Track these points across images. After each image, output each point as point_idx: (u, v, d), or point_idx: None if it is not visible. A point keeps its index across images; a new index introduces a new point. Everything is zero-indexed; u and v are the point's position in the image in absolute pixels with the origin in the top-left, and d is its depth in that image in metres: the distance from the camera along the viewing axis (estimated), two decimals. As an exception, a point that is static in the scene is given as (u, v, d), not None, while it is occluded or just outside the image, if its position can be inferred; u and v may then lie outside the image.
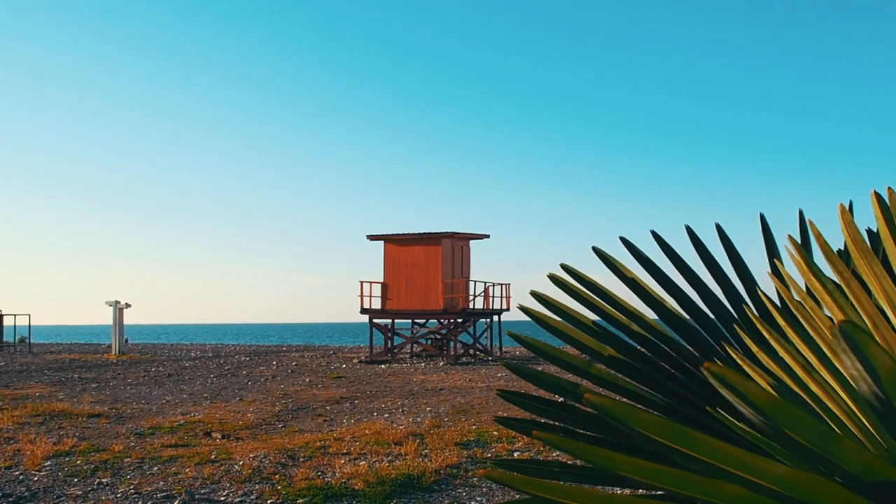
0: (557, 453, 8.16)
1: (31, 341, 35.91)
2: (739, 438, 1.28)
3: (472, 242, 27.21)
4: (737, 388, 0.90)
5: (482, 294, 26.25)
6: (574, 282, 1.78)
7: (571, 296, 1.76)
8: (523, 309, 1.72)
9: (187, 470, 7.71)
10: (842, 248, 1.91)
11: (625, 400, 1.68)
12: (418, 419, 11.29)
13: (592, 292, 1.77)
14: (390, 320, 25.91)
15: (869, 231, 1.95)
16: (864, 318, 1.30)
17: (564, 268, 1.80)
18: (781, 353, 1.46)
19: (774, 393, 1.00)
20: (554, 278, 1.77)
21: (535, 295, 1.74)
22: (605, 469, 0.89)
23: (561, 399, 1.68)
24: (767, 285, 1.88)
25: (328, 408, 12.95)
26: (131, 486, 7.09)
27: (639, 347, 1.73)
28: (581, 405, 1.66)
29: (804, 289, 1.52)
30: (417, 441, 9.14)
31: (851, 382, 1.15)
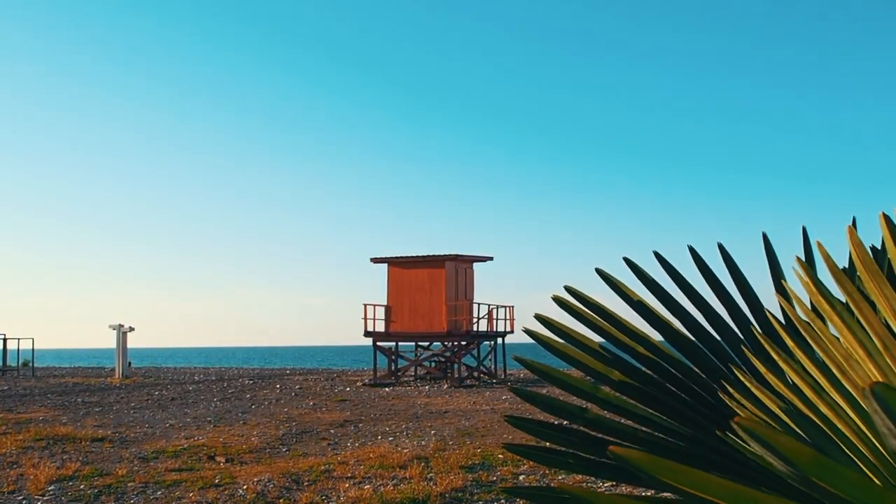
0: (563, 476, 8.09)
1: (35, 365, 35.85)
2: (751, 462, 1.27)
3: (475, 265, 27.20)
4: (768, 441, 0.90)
5: (486, 316, 26.19)
6: (579, 304, 1.77)
7: (576, 318, 1.75)
8: (528, 332, 1.71)
9: (191, 494, 7.65)
10: (845, 266, 1.90)
11: (633, 423, 1.67)
12: (423, 442, 11.22)
13: (597, 314, 1.76)
14: (394, 343, 25.84)
15: (873, 248, 1.94)
16: (874, 337, 1.29)
17: (569, 290, 1.79)
18: (790, 373, 1.44)
19: (804, 446, 0.99)
20: (558, 300, 1.77)
21: (539, 318, 1.73)
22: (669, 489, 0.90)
23: (567, 423, 1.66)
24: (771, 305, 1.87)
25: (332, 431, 12.88)
26: (134, 512, 7.04)
27: (645, 370, 1.71)
28: (589, 429, 1.65)
29: (809, 308, 1.51)
30: (422, 464, 9.08)
31: (880, 439, 1.14)
